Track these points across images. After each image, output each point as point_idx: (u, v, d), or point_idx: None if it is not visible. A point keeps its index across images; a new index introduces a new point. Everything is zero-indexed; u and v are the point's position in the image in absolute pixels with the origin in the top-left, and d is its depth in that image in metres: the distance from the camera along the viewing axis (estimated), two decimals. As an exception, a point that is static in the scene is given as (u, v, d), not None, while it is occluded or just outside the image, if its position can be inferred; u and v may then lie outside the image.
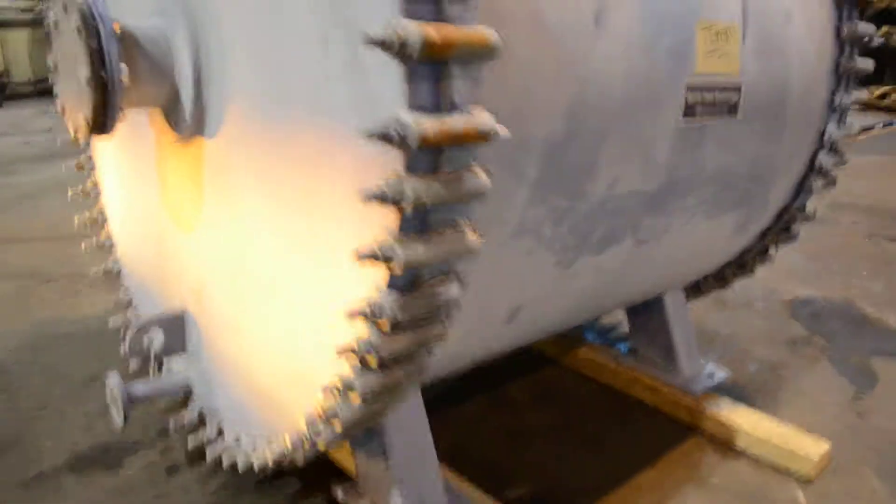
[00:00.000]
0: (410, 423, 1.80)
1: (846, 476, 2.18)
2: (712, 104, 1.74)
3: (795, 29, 1.96)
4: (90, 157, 2.47)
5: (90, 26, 1.50)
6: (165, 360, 2.23)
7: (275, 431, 1.65)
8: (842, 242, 4.46)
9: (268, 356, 1.63)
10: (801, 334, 3.13)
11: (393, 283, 1.19)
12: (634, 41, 1.49)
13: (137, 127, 1.96)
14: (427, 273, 1.20)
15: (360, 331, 1.25)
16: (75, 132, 1.65)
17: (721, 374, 2.59)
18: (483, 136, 1.10)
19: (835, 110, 2.21)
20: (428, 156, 1.10)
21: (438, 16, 1.07)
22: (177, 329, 1.99)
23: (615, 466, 2.24)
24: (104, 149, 2.36)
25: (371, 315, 1.20)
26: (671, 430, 2.43)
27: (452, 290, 1.25)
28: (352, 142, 1.22)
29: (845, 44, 2.15)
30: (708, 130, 1.76)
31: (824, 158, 2.27)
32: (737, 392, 2.61)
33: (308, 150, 1.32)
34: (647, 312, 2.58)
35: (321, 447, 1.51)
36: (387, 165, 1.13)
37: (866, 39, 2.16)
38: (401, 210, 1.10)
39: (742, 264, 2.57)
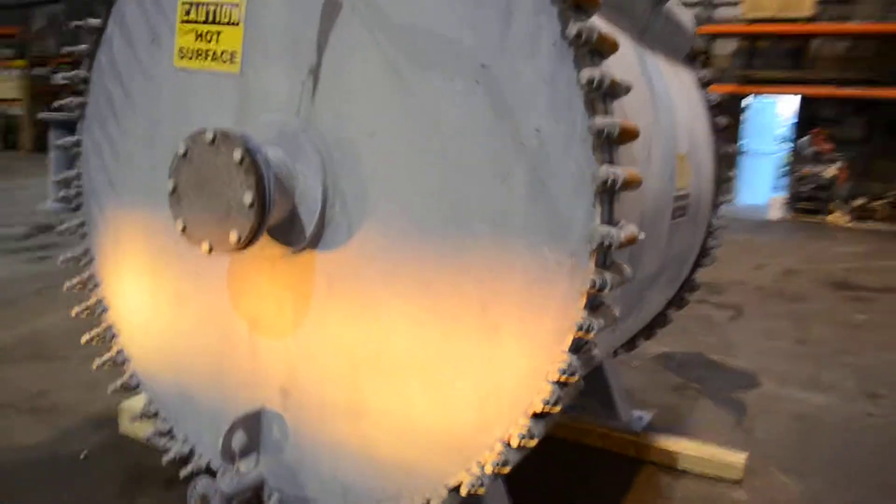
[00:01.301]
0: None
1: (761, 476, 2.91)
2: (681, 209, 2.42)
3: (703, 152, 2.77)
4: (93, 275, 2.46)
5: (255, 159, 1.73)
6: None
7: (404, 498, 1.90)
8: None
9: (405, 433, 1.89)
10: (678, 381, 3.96)
11: (574, 347, 1.62)
12: (658, 169, 2.11)
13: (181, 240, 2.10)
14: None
15: (543, 389, 1.64)
16: (211, 248, 1.81)
17: (647, 416, 3.24)
18: (634, 240, 1.61)
19: (716, 207, 3.06)
20: (608, 255, 1.58)
21: (612, 161, 1.57)
22: (254, 428, 2.12)
23: (601, 499, 2.73)
24: (121, 266, 2.39)
25: (567, 373, 1.60)
26: (625, 465, 3.00)
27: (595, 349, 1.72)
28: (528, 254, 1.64)
29: (722, 160, 3.02)
30: (677, 227, 2.44)
31: (710, 242, 3.09)
32: (656, 429, 3.27)
33: (482, 261, 1.69)
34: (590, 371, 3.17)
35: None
36: (557, 270, 1.58)
37: (733, 155, 3.05)
38: (598, 293, 1.56)
39: (651, 328, 3.29)
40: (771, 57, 11.91)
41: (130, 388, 2.46)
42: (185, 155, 1.84)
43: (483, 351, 1.73)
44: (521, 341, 1.69)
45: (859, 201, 11.71)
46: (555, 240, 1.61)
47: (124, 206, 2.35)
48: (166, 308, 2.32)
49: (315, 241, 1.93)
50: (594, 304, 1.61)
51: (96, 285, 2.47)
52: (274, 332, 2.08)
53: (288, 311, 2.03)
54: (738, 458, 2.92)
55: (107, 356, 2.45)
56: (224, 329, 2.18)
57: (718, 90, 3.08)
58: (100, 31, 2.31)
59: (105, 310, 2.47)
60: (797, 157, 12.00)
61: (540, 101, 1.60)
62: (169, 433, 2.37)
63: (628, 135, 1.55)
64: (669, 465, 2.97)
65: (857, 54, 11.59)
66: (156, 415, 2.40)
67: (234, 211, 1.77)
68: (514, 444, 1.70)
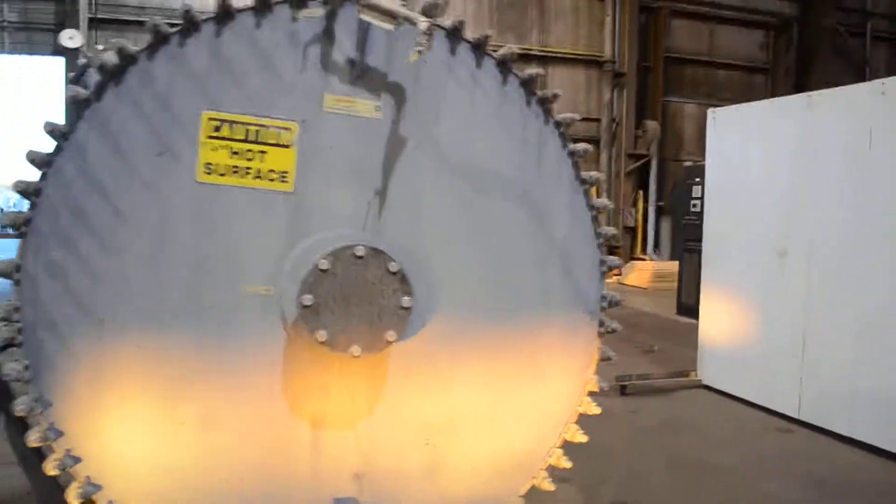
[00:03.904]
0: None
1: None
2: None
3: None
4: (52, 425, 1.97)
5: (399, 269, 2.08)
6: None
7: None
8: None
9: (478, 474, 2.40)
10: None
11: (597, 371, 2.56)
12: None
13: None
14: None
15: (579, 403, 2.51)
16: (360, 351, 2.02)
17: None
18: (619, 302, 2.68)
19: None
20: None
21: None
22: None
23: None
24: (105, 404, 2.03)
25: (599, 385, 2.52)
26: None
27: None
28: (562, 321, 2.50)
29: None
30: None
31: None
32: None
33: (531, 323, 2.45)
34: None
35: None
36: (582, 323, 2.53)
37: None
38: (607, 334, 2.56)
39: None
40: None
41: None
42: (326, 272, 1.99)
43: (534, 389, 2.48)
44: (562, 376, 2.51)
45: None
46: (579, 304, 2.52)
47: (112, 335, 2.05)
48: (187, 437, 2.12)
49: (389, 336, 2.28)
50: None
51: (58, 436, 2.00)
52: (343, 423, 2.27)
53: (361, 400, 2.27)
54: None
55: (93, 519, 2.01)
56: (278, 436, 2.21)
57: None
58: (63, 135, 1.99)
59: (75, 462, 2.02)
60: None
61: (565, 217, 2.50)
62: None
63: (616, 238, 2.60)
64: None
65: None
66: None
67: (386, 315, 2.05)
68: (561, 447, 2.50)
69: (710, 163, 5.89)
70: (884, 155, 4.23)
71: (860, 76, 17.30)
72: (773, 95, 17.55)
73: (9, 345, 1.96)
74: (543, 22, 15.12)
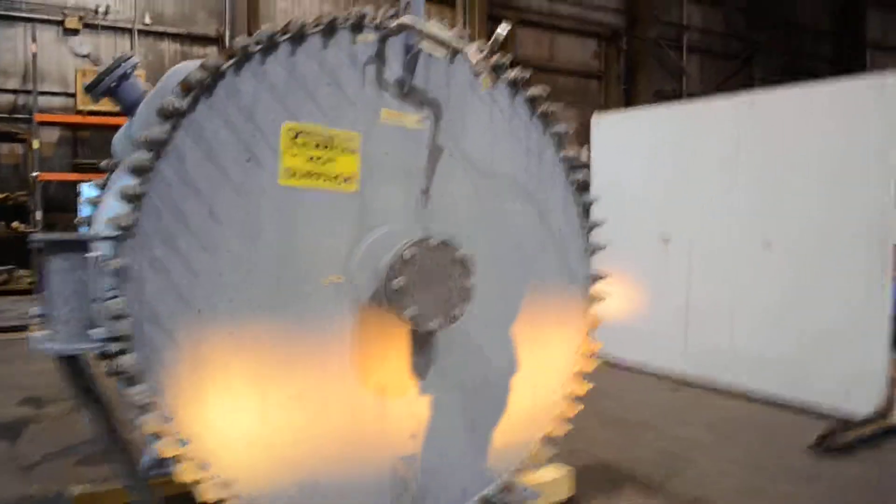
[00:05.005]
0: None
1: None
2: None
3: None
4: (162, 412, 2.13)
5: (463, 256, 2.47)
6: None
7: (508, 461, 2.87)
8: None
9: (505, 428, 2.84)
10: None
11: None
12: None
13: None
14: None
15: (576, 363, 3.05)
16: (438, 326, 2.39)
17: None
18: (604, 277, 3.24)
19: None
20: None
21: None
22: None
23: None
24: (209, 389, 2.23)
25: (594, 344, 3.07)
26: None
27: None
28: (561, 295, 3.02)
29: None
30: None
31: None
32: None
33: (536, 299, 2.94)
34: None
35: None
36: (575, 298, 3.07)
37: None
38: (594, 304, 3.11)
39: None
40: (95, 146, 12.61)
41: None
42: (412, 260, 2.34)
43: (545, 352, 2.97)
44: (565, 339, 3.02)
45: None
46: (573, 282, 3.04)
47: (212, 325, 2.26)
48: (282, 412, 2.37)
49: (437, 314, 2.67)
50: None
51: (169, 421, 2.17)
52: (401, 391, 2.62)
53: (410, 373, 2.63)
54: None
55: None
56: (351, 406, 2.51)
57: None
58: (163, 143, 2.18)
59: (185, 444, 2.20)
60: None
61: (560, 213, 3.00)
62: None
63: (596, 225, 3.15)
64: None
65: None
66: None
67: (455, 294, 2.44)
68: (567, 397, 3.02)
69: (595, 162, 6.71)
70: (749, 159, 5.20)
71: (678, 83, 19.66)
72: (607, 100, 19.48)
73: (122, 338, 2.11)
74: (403, 25, 15.61)
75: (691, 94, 19.86)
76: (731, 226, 5.36)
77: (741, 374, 5.34)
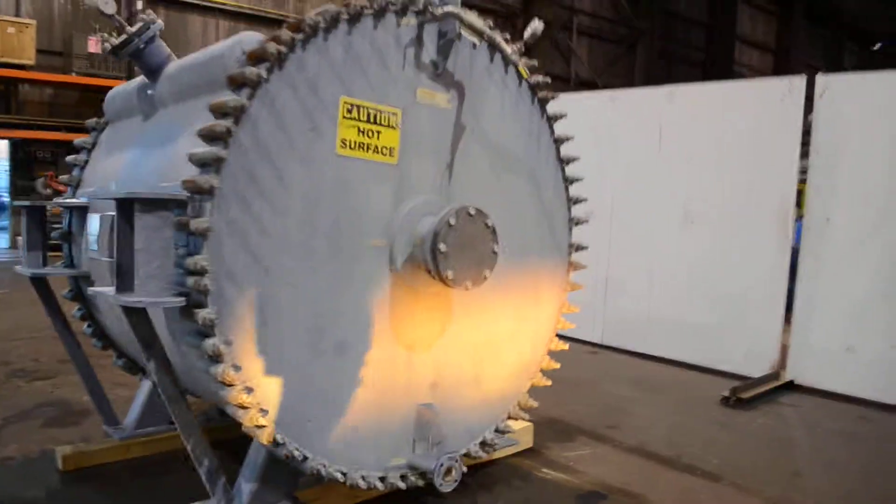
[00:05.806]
0: None
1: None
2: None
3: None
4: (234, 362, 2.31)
5: (493, 224, 2.80)
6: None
7: (503, 409, 3.26)
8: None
9: (504, 378, 3.22)
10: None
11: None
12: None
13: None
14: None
15: (560, 322, 3.48)
16: (471, 286, 2.71)
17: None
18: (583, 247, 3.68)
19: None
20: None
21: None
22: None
23: None
24: (271, 341, 2.42)
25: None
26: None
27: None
28: (549, 262, 3.43)
29: None
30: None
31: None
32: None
33: (533, 265, 3.33)
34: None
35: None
36: (561, 262, 3.50)
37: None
38: (574, 270, 3.56)
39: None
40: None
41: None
42: (450, 225, 2.63)
43: (535, 312, 3.37)
44: (551, 301, 3.43)
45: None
46: (559, 251, 3.45)
47: (276, 282, 2.44)
48: (326, 363, 2.60)
49: (457, 276, 2.98)
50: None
51: (238, 371, 2.36)
52: (425, 346, 2.92)
53: (437, 329, 2.94)
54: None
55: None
56: (386, 358, 2.78)
57: None
58: (242, 110, 2.33)
59: (250, 392, 2.39)
60: (38, 198, 12.13)
61: (550, 187, 3.39)
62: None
63: (578, 200, 3.56)
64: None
65: (63, 101, 12.67)
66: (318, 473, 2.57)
67: (485, 258, 2.77)
68: (552, 351, 3.44)
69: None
70: (668, 145, 5.85)
71: (567, 64, 20.65)
72: (503, 78, 20.14)
73: (202, 292, 2.27)
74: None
75: (579, 76, 21.00)
76: (651, 202, 6.01)
77: (656, 339, 6.05)
